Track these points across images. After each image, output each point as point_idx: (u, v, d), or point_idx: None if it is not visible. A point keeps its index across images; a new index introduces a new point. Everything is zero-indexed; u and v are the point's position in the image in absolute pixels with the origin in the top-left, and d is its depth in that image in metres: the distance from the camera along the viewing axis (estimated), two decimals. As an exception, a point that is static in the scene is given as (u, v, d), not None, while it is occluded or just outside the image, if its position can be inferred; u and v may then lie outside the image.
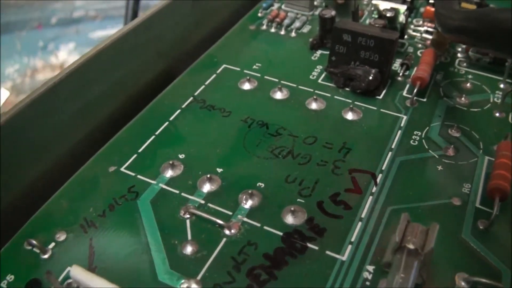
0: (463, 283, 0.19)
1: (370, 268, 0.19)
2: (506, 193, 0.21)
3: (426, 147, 0.25)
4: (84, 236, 0.21)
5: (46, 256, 0.20)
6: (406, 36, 0.32)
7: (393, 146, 0.25)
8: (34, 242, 0.20)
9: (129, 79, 0.28)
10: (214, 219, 0.21)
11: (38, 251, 0.20)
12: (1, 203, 0.22)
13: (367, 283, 0.19)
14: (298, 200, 0.22)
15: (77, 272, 0.17)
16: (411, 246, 0.18)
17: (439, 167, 0.24)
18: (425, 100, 0.28)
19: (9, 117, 0.21)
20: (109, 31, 0.82)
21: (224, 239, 0.20)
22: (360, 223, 0.21)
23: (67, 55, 0.75)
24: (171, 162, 0.23)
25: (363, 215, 0.21)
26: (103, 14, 0.86)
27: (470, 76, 0.30)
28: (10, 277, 0.19)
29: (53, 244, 0.20)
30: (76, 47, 0.77)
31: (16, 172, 0.23)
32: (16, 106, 0.22)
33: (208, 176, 0.23)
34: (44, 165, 0.24)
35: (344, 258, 0.20)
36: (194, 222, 0.21)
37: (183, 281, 0.19)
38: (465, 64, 0.31)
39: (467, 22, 0.21)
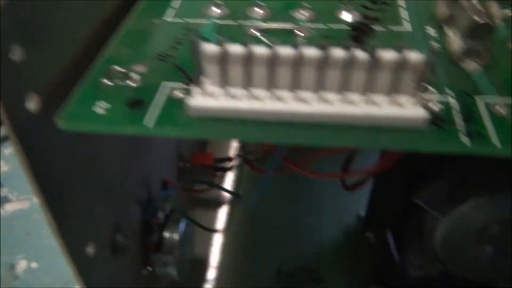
0: None
1: (430, 28, 0.23)
2: None
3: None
4: (166, 63, 0.21)
5: (135, 85, 0.20)
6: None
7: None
8: (118, 68, 0.20)
9: None
10: (282, 26, 0.23)
11: (122, 83, 0.20)
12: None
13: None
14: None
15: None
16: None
17: None
18: None
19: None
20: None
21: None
22: (403, 7, 0.24)
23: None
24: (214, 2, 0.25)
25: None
26: None
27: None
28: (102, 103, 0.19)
29: (135, 75, 0.20)
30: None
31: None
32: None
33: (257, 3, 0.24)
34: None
35: (407, 29, 0.23)
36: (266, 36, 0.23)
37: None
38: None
39: None
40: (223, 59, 0.17)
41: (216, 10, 0.24)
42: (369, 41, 0.22)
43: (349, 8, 0.24)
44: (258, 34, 0.23)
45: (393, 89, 0.17)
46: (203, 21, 0.24)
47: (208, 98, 0.18)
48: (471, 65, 0.20)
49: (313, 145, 0.17)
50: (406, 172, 0.29)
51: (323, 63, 0.16)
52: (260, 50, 0.17)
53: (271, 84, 0.17)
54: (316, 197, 0.40)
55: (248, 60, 0.17)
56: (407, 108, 0.17)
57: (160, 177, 0.34)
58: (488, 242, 0.27)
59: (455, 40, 0.20)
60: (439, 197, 0.28)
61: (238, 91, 0.18)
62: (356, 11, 0.24)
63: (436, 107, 0.18)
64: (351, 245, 0.38)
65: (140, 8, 0.25)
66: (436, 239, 0.27)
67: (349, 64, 0.16)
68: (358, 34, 0.22)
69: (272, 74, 0.17)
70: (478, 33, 0.19)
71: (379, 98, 0.17)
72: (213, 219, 0.42)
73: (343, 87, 0.17)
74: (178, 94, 0.19)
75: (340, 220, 0.40)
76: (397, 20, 0.23)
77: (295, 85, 0.17)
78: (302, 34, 0.22)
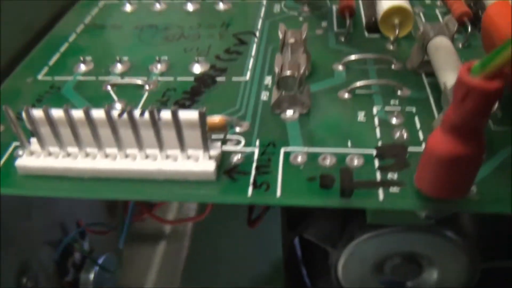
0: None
1: (268, 78, 0.24)
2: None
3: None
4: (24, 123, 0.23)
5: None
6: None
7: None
8: None
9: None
10: (132, 81, 0.24)
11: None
12: None
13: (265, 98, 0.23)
14: (196, 57, 0.26)
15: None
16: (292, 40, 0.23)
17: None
18: None
19: None
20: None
21: (146, 93, 0.24)
22: (252, 59, 0.26)
23: None
24: (81, 58, 0.26)
25: (253, 54, 0.26)
26: None
27: None
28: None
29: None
30: None
31: None
32: None
33: (117, 59, 0.26)
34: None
35: (247, 78, 0.24)
36: (117, 91, 0.24)
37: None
38: None
39: None
40: (33, 122, 0.19)
41: (82, 67, 0.26)
42: (209, 91, 0.23)
43: (203, 60, 0.25)
44: (109, 89, 0.24)
45: (184, 145, 0.18)
46: (69, 78, 0.25)
47: (30, 157, 0.20)
48: (288, 115, 0.21)
49: (119, 199, 0.19)
50: (292, 210, 0.30)
51: (112, 123, 0.18)
52: (57, 113, 0.18)
53: (80, 142, 0.19)
54: (233, 244, 0.42)
55: (54, 122, 0.18)
56: (196, 162, 0.18)
57: (77, 219, 0.35)
58: (384, 273, 0.28)
59: (273, 91, 0.22)
60: (328, 233, 0.29)
61: (55, 150, 0.19)
62: (209, 62, 0.25)
63: (235, 159, 0.19)
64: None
65: (21, 66, 0.27)
66: (338, 273, 0.28)
67: (136, 123, 0.18)
68: (199, 85, 0.24)
69: (77, 134, 0.19)
70: (284, 84, 0.20)
71: (174, 153, 0.19)
72: (151, 253, 0.43)
73: (140, 144, 0.18)
74: (18, 153, 0.21)
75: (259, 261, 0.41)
76: (242, 71, 0.25)
77: (99, 144, 0.19)
78: (149, 88, 0.24)
